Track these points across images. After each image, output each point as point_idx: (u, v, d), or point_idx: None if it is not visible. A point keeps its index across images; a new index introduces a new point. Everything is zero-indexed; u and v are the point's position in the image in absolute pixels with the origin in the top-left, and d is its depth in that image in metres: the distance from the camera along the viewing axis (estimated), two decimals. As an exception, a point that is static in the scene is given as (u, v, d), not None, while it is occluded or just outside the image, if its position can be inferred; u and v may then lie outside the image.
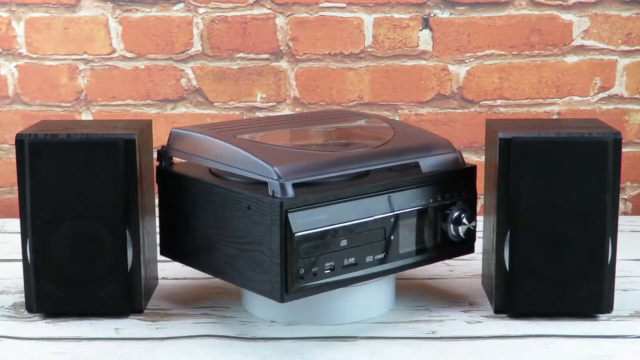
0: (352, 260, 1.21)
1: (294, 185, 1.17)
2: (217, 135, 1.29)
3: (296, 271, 1.16)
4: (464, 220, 1.31)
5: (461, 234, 1.32)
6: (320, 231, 1.18)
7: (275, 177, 1.16)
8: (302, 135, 1.43)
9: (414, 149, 1.32)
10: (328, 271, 1.20)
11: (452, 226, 1.31)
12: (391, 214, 1.25)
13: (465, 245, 1.35)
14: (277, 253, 1.16)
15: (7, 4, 1.88)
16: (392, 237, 1.26)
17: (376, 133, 1.41)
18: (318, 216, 1.18)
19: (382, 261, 1.25)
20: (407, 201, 1.27)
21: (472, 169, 1.35)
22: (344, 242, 1.20)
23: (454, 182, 1.32)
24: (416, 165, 1.31)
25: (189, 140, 1.32)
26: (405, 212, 1.27)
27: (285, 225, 1.15)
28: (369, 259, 1.24)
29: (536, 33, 1.89)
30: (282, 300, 1.17)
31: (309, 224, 1.17)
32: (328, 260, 1.19)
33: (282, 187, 1.16)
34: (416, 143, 1.34)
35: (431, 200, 1.29)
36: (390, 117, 1.51)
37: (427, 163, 1.31)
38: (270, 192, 1.16)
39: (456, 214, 1.31)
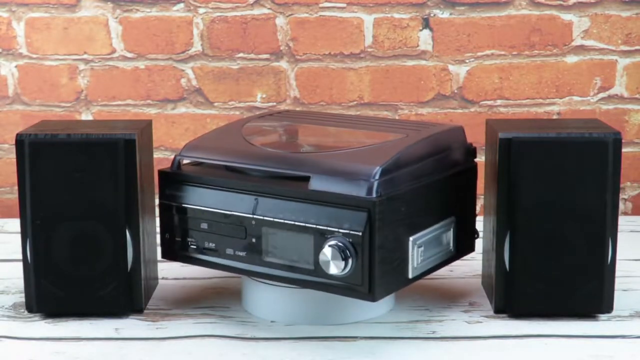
0: (212, 245, 1.29)
1: (196, 164, 1.34)
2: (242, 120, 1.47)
3: (164, 234, 1.33)
4: (327, 255, 1.18)
5: (325, 268, 1.19)
6: (180, 206, 1.30)
7: (178, 153, 1.34)
8: (305, 134, 1.45)
9: (328, 164, 1.22)
10: (192, 247, 1.31)
11: (320, 257, 1.19)
12: (251, 216, 1.24)
13: (347, 285, 1.20)
14: None
15: (7, 4, 1.88)
16: (253, 240, 1.25)
17: (361, 143, 1.36)
18: (183, 193, 1.30)
19: (244, 260, 1.26)
20: (276, 211, 1.23)
21: (367, 202, 1.17)
22: (204, 225, 1.28)
23: (338, 212, 1.19)
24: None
25: None
26: (270, 220, 1.23)
27: (161, 192, 1.32)
28: (229, 251, 1.28)
29: (536, 33, 1.89)
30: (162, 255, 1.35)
31: (175, 197, 1.31)
32: (191, 237, 1.30)
33: (178, 162, 1.32)
34: (343, 159, 1.23)
35: (300, 219, 1.21)
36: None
37: (321, 182, 1.20)
38: None
39: (325, 245, 1.18)
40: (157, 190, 1.39)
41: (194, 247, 1.30)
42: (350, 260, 1.18)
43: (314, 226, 1.20)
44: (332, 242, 1.18)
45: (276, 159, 1.27)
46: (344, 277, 1.19)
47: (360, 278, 1.18)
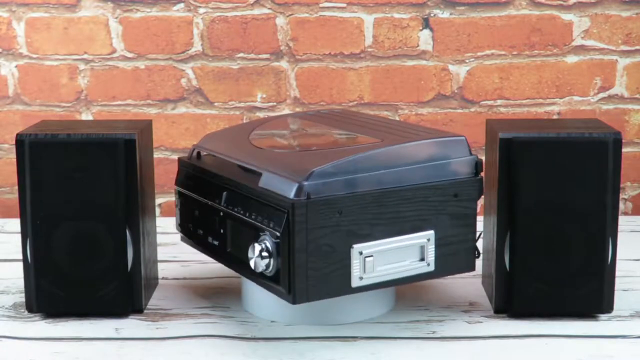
0: (200, 231, 1.35)
1: (206, 155, 1.39)
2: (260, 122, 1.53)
3: (176, 213, 1.43)
4: (253, 252, 1.20)
5: (250, 264, 1.21)
6: (182, 192, 1.39)
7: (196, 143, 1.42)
8: (303, 135, 1.46)
9: (285, 164, 1.24)
10: (190, 227, 1.38)
11: (249, 253, 1.21)
12: (219, 206, 1.29)
13: (271, 283, 1.21)
14: None
15: (7, 4, 1.88)
16: (221, 231, 1.29)
17: (338, 145, 1.37)
18: (187, 181, 1.38)
19: (216, 249, 1.32)
20: (233, 204, 1.26)
21: (288, 203, 1.16)
22: (196, 212, 1.35)
23: (271, 210, 1.19)
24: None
25: None
26: (227, 212, 1.28)
27: (176, 178, 1.42)
28: (210, 239, 1.33)
29: (536, 33, 1.89)
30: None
31: (183, 183, 1.39)
32: (189, 221, 1.38)
33: (193, 152, 1.40)
34: (294, 160, 1.26)
35: (247, 214, 1.23)
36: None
37: (268, 180, 1.21)
38: None
39: (255, 241, 1.20)
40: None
41: (192, 231, 1.37)
42: (271, 260, 1.19)
43: (254, 222, 1.22)
44: (261, 240, 1.20)
45: (245, 154, 1.31)
46: (270, 275, 1.20)
47: (280, 278, 1.18)
